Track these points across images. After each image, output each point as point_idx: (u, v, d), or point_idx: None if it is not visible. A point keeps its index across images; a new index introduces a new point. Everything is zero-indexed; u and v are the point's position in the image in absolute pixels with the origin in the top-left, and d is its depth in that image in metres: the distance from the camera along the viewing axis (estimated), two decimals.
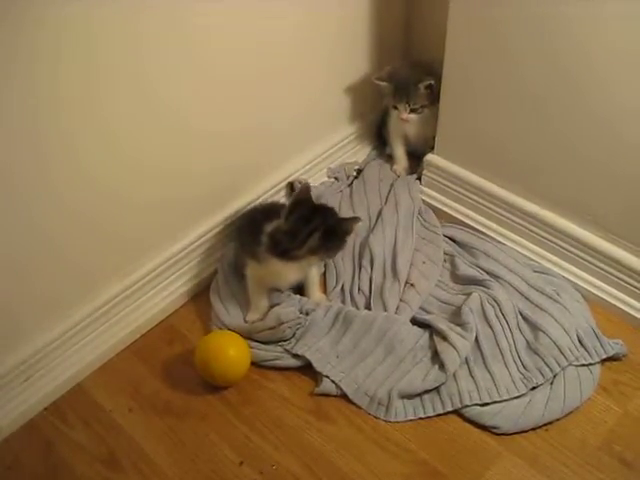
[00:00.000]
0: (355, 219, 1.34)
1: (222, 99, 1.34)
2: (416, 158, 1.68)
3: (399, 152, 1.69)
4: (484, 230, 1.53)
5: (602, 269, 1.37)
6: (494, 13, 1.27)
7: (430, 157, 1.59)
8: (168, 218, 1.38)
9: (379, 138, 1.76)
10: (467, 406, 1.23)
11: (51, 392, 1.30)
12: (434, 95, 1.53)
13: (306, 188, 1.33)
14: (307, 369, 1.31)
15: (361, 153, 1.76)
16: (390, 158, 1.71)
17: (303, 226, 1.27)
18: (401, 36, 1.68)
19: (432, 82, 1.51)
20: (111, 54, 1.11)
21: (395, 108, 1.58)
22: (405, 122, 1.59)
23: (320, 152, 1.66)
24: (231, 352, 1.28)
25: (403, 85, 1.54)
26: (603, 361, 1.29)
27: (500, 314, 1.34)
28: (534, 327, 1.32)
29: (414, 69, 1.57)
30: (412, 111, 1.56)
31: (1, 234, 1.11)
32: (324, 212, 1.32)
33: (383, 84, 1.56)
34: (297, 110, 1.53)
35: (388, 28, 1.63)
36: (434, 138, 1.58)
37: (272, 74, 1.42)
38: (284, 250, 1.27)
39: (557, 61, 1.23)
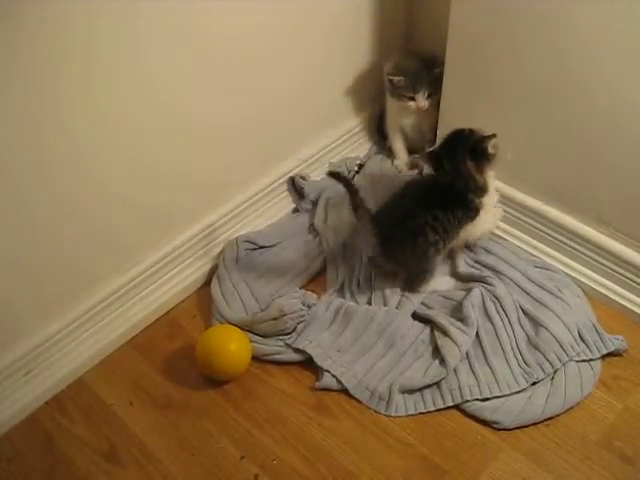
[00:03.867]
0: (490, 136, 1.27)
1: (222, 94, 1.34)
2: (416, 153, 1.67)
3: (398, 146, 1.69)
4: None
5: (603, 265, 1.37)
6: (497, 3, 1.26)
7: None
8: (169, 212, 1.38)
9: (379, 132, 1.75)
10: (468, 401, 1.23)
11: (52, 386, 1.30)
12: (438, 84, 1.53)
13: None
14: (308, 364, 1.31)
15: (362, 148, 1.75)
16: (391, 152, 1.71)
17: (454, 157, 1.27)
18: (403, 28, 1.67)
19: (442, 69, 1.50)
20: (111, 50, 1.11)
21: (411, 99, 1.55)
22: (422, 110, 1.55)
23: (321, 147, 1.66)
24: (232, 346, 1.28)
25: (417, 75, 1.52)
26: (604, 356, 1.29)
27: (501, 309, 1.34)
28: (535, 322, 1.32)
29: (419, 58, 1.55)
30: (428, 97, 1.54)
31: (2, 229, 1.11)
32: (461, 137, 1.29)
33: (397, 78, 1.53)
34: (298, 105, 1.53)
35: (390, 20, 1.62)
36: (430, 131, 1.58)
37: (272, 69, 1.41)
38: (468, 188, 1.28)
39: (560, 53, 1.22)
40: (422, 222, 1.30)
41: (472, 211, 1.32)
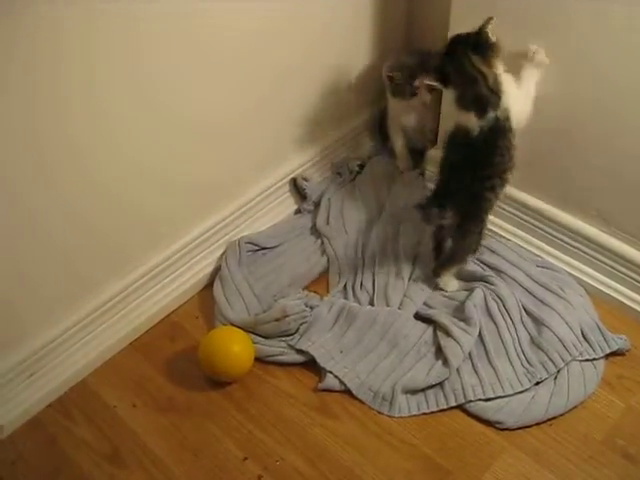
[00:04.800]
0: (487, 20, 1.18)
1: (223, 96, 1.34)
2: (418, 153, 1.67)
3: (399, 146, 1.69)
4: (488, 225, 1.52)
5: (606, 264, 1.37)
6: (497, 3, 1.26)
7: (433, 152, 1.59)
8: (171, 214, 1.38)
9: (381, 133, 1.75)
10: (471, 401, 1.23)
11: (55, 388, 1.30)
12: None
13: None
14: (311, 365, 1.31)
15: (364, 148, 1.75)
16: (392, 152, 1.71)
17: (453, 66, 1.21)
18: (403, 28, 1.68)
19: None
20: (111, 50, 1.11)
21: (413, 95, 1.54)
22: (424, 105, 1.55)
23: (323, 147, 1.66)
24: (235, 348, 1.28)
25: (416, 68, 1.50)
26: (607, 356, 1.29)
27: (504, 309, 1.33)
28: (538, 322, 1.32)
29: (418, 54, 1.55)
30: (430, 91, 1.52)
31: (3, 233, 1.11)
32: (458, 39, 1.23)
33: (396, 74, 1.52)
34: (298, 105, 1.53)
35: (390, 20, 1.62)
36: (431, 131, 1.57)
37: (273, 70, 1.41)
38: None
39: (559, 53, 1.22)
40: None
41: (504, 123, 1.21)
